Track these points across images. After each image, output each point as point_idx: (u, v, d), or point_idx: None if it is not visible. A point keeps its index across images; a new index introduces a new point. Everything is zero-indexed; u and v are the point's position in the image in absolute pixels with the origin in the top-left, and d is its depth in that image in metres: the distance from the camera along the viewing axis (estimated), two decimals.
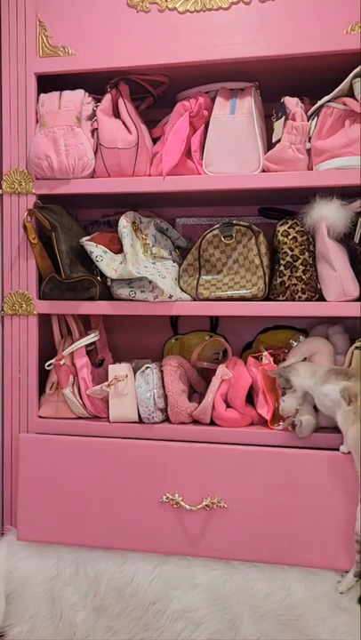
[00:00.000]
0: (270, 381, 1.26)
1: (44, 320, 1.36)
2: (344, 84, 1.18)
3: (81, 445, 1.24)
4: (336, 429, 1.15)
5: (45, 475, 1.24)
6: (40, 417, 1.34)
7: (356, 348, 1.21)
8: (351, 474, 1.11)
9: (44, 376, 1.37)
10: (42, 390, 1.37)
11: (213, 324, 1.56)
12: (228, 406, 1.26)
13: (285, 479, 1.14)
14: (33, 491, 1.25)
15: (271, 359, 1.31)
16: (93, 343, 1.40)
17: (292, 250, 1.24)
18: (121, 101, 1.30)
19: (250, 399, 1.30)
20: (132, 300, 1.28)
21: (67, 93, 1.29)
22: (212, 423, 1.27)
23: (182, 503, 1.16)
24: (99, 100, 1.31)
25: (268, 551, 1.15)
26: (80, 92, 1.29)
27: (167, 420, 1.30)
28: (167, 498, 1.17)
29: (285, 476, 1.14)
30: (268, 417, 1.23)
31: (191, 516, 1.17)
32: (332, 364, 1.24)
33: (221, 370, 1.27)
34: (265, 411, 1.24)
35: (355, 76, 1.16)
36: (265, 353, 1.31)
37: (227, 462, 1.16)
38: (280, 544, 1.14)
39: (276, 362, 1.38)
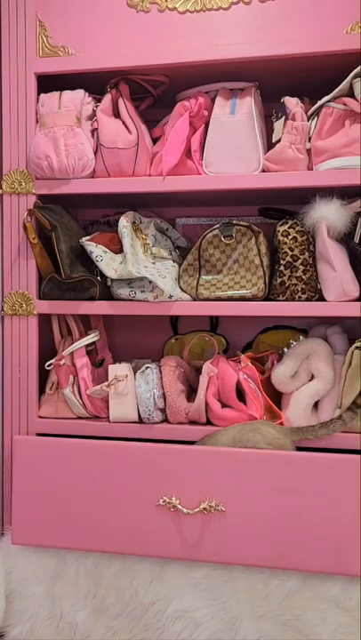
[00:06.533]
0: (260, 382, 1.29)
1: (44, 320, 1.36)
2: (344, 84, 1.18)
3: (77, 448, 1.22)
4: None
5: (40, 477, 1.22)
6: (40, 417, 1.34)
7: (357, 348, 1.21)
8: (352, 476, 1.11)
9: (44, 376, 1.37)
10: (42, 390, 1.37)
11: (213, 324, 1.56)
12: (224, 406, 1.26)
13: (284, 482, 1.13)
14: (28, 493, 1.23)
15: (249, 361, 1.31)
16: (93, 343, 1.40)
17: (292, 250, 1.24)
18: (121, 101, 1.30)
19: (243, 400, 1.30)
20: (132, 300, 1.28)
21: (67, 93, 1.29)
22: (211, 424, 1.27)
23: (179, 507, 1.14)
24: (99, 100, 1.31)
25: (266, 555, 1.13)
26: (80, 92, 1.29)
27: (167, 420, 1.30)
28: (164, 501, 1.15)
29: (284, 478, 1.13)
30: (257, 416, 1.23)
31: (188, 520, 1.15)
32: (329, 364, 1.24)
33: (207, 367, 1.27)
34: (255, 411, 1.24)
35: (355, 76, 1.16)
36: (242, 356, 1.33)
37: (224, 465, 1.15)
38: (278, 548, 1.12)
39: (263, 364, 1.39)
